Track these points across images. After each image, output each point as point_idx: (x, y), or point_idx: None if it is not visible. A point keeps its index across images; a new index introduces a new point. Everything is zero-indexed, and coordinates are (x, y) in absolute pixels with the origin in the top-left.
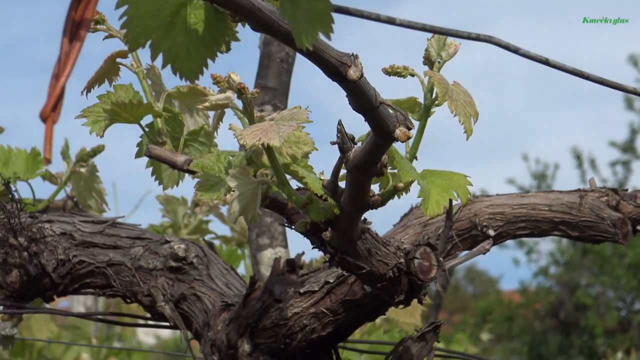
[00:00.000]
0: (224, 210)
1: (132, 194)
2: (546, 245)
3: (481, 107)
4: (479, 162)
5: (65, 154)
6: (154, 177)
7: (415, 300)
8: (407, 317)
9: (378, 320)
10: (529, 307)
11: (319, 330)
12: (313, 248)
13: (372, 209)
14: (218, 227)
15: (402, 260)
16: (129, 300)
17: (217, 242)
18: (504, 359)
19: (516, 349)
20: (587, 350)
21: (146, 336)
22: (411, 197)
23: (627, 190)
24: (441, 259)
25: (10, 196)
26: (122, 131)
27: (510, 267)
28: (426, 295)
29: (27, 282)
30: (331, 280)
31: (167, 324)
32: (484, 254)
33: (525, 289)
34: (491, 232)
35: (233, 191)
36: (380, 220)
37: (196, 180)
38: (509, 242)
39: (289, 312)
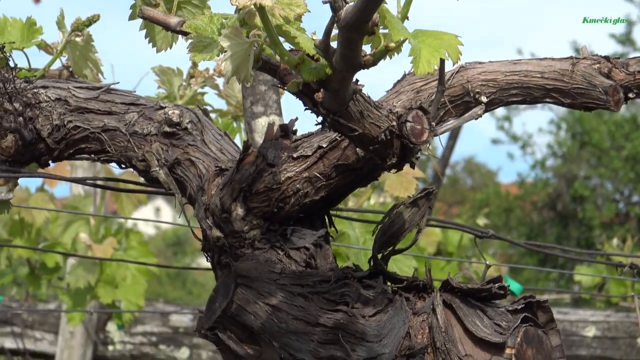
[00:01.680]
0: (219, 81)
1: (130, 78)
2: (544, 137)
3: (479, 2)
4: (476, 57)
5: (60, 24)
6: (147, 39)
7: (409, 174)
8: (402, 192)
9: (373, 202)
10: (527, 199)
11: (312, 194)
12: (305, 109)
13: (363, 69)
14: (214, 101)
15: (394, 123)
16: (123, 166)
17: (213, 116)
18: (502, 250)
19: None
20: (584, 242)
21: (146, 226)
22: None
23: (619, 58)
24: (433, 123)
25: (6, 62)
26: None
27: (508, 160)
28: (418, 159)
29: (22, 147)
30: (324, 145)
31: (162, 189)
32: (476, 119)
33: (523, 181)
34: (483, 99)
35: (225, 51)
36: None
37: (190, 41)
38: (504, 137)
39: (282, 177)
